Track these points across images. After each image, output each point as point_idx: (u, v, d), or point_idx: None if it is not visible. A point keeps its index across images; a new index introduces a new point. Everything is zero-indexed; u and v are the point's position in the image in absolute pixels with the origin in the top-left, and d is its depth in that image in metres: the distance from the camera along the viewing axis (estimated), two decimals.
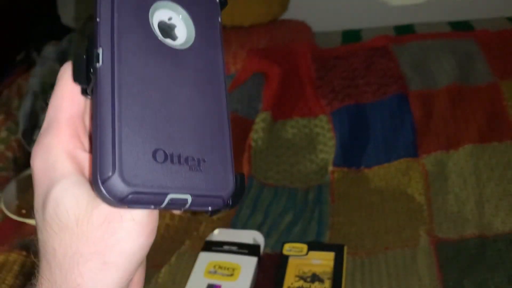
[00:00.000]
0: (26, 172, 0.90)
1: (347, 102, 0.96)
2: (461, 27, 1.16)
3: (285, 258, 0.67)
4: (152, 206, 0.26)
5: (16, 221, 0.79)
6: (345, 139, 0.91)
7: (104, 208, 0.26)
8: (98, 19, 0.28)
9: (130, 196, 0.25)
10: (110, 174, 0.25)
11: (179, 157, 0.27)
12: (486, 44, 1.03)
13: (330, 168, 0.87)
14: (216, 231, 0.74)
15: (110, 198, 0.25)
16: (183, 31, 0.31)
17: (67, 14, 1.32)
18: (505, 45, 1.03)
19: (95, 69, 0.27)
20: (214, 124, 0.30)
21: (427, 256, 0.67)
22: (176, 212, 0.33)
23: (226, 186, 0.29)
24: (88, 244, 0.25)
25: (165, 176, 0.26)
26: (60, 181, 0.26)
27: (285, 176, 0.89)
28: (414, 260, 0.67)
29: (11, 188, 0.85)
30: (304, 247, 0.68)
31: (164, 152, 0.27)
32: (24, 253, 0.74)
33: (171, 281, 0.68)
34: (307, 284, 0.63)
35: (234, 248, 0.69)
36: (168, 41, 0.30)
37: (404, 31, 1.18)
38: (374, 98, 0.96)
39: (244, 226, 0.77)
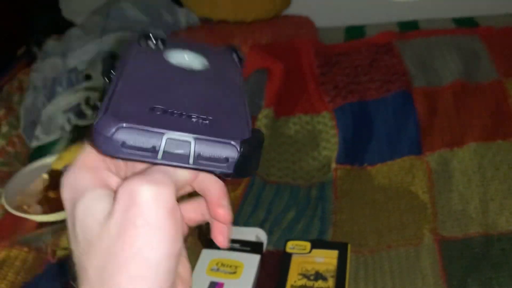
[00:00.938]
0: (28, 168, 0.89)
1: (350, 99, 0.96)
2: (466, 23, 1.16)
3: (288, 256, 0.67)
4: (150, 151, 0.24)
5: (17, 216, 0.79)
6: (348, 136, 0.90)
7: (118, 217, 0.25)
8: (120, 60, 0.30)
9: (121, 130, 0.23)
10: (102, 115, 0.24)
11: (180, 113, 0.25)
12: (491, 41, 1.02)
13: (333, 165, 0.87)
14: None
15: (101, 136, 0.23)
16: (198, 67, 0.32)
17: (68, 8, 1.31)
18: (510, 42, 1.02)
19: (109, 80, 0.28)
20: (225, 99, 0.29)
21: (430, 254, 0.67)
22: (182, 174, 0.31)
23: (238, 135, 0.25)
24: (111, 259, 0.25)
25: (162, 120, 0.25)
26: (80, 199, 0.26)
27: (288, 173, 0.89)
28: (418, 259, 0.66)
29: (13, 183, 0.85)
30: (307, 245, 0.68)
31: (163, 109, 0.25)
32: (25, 249, 0.73)
33: None
34: (310, 282, 0.63)
35: (236, 245, 0.69)
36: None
37: (408, 27, 1.17)
38: (378, 95, 0.95)
39: (247, 223, 0.76)
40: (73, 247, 0.27)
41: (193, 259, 0.69)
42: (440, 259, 0.66)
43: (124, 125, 0.23)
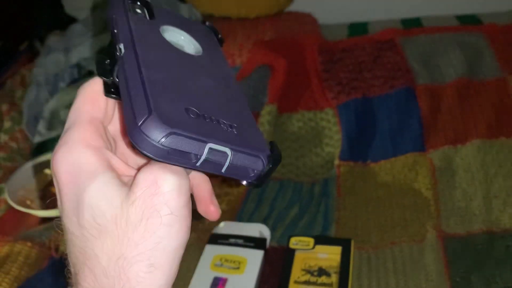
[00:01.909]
0: (31, 163, 0.89)
1: (354, 95, 0.96)
2: (469, 20, 1.15)
3: (292, 252, 0.67)
4: (192, 159, 0.24)
5: (20, 212, 0.79)
6: (351, 133, 0.90)
7: (140, 204, 0.24)
8: (115, 30, 0.29)
9: (171, 137, 0.23)
10: (147, 114, 0.23)
11: (211, 118, 0.26)
12: (494, 38, 1.02)
13: (336, 162, 0.87)
14: (222, 224, 0.73)
15: (149, 139, 0.23)
16: (192, 50, 0.33)
17: (71, 3, 1.31)
18: None
19: (118, 58, 0.28)
20: (235, 102, 0.30)
21: (434, 251, 0.67)
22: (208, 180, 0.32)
23: (262, 148, 0.27)
24: (130, 246, 0.24)
25: (202, 127, 0.25)
26: (90, 183, 0.25)
27: (291, 170, 0.89)
28: (421, 255, 0.66)
29: (16, 178, 0.85)
30: (311, 240, 0.68)
31: (196, 111, 0.26)
32: (29, 244, 0.73)
33: None
34: (314, 278, 0.63)
35: (240, 241, 0.69)
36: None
37: (411, 24, 1.17)
38: (381, 92, 0.95)
39: (250, 220, 0.77)
40: (73, 230, 0.26)
41: (197, 254, 0.69)
42: (444, 255, 0.66)
43: (175, 131, 0.23)
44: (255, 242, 0.69)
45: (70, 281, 0.27)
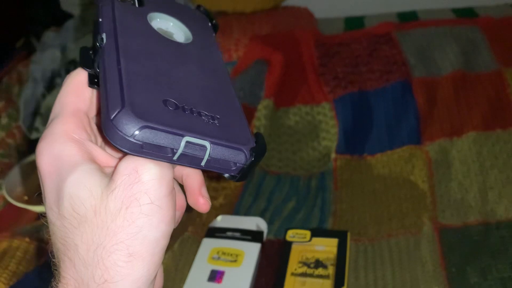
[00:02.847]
0: (28, 159, 0.89)
1: (350, 89, 0.96)
2: (465, 14, 1.15)
3: (289, 244, 0.67)
4: (168, 153, 0.24)
5: (18, 207, 0.79)
6: (348, 127, 0.91)
7: (120, 193, 0.24)
8: (100, 19, 0.29)
9: (143, 131, 0.23)
10: (119, 108, 0.23)
11: (191, 109, 0.25)
12: (490, 31, 1.02)
13: (333, 155, 0.87)
14: (219, 218, 0.74)
15: (121, 133, 0.22)
16: (181, 38, 0.32)
17: (66, 0, 1.30)
18: (509, 32, 1.02)
19: (99, 48, 0.27)
20: (222, 93, 0.29)
21: (430, 243, 0.67)
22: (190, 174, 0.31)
23: (245, 141, 0.26)
24: (109, 235, 0.24)
25: (179, 119, 0.24)
26: (71, 174, 0.25)
27: (288, 164, 0.89)
28: (417, 247, 0.67)
29: (13, 175, 0.85)
30: (308, 233, 0.68)
31: (175, 103, 0.25)
32: (27, 239, 0.74)
33: (174, 267, 0.68)
34: (311, 270, 0.63)
35: (237, 234, 0.69)
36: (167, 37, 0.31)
37: (408, 18, 1.17)
38: (378, 85, 0.95)
39: (247, 213, 0.77)
40: (57, 222, 0.26)
41: (194, 247, 0.69)
42: (440, 247, 0.66)
43: (148, 125, 0.23)
44: (252, 235, 0.69)
45: (55, 273, 0.27)
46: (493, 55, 0.97)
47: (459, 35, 1.02)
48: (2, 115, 0.99)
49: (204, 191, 0.30)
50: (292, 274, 0.63)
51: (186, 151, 0.24)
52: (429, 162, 0.80)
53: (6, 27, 1.19)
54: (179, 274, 0.66)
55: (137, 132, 0.23)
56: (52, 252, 0.27)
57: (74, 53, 1.08)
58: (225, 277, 0.63)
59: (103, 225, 0.24)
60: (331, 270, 0.63)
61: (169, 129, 0.23)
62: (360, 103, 0.94)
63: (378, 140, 0.87)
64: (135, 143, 0.23)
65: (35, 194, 0.82)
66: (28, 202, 0.81)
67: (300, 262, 0.65)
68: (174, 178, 0.31)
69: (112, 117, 0.23)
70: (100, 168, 0.26)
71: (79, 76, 0.29)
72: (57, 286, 0.26)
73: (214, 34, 0.35)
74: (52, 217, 0.26)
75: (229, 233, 0.70)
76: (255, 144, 0.26)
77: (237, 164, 0.26)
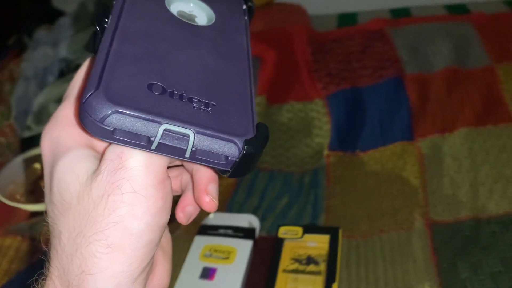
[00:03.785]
0: (20, 158, 0.89)
1: (343, 85, 0.96)
2: (457, 10, 1.16)
3: (281, 241, 0.67)
4: (144, 141, 0.22)
5: (10, 206, 0.79)
6: (340, 123, 0.91)
7: (103, 179, 0.23)
8: (114, 2, 0.27)
9: (114, 116, 0.21)
10: (92, 91, 0.21)
11: (181, 95, 0.23)
12: (482, 27, 1.02)
13: (326, 152, 0.87)
14: (211, 215, 0.74)
15: (91, 118, 0.21)
16: (204, 20, 0.29)
17: None
18: (501, 28, 1.02)
19: (102, 30, 0.26)
20: (230, 79, 0.26)
21: (421, 238, 0.67)
22: (177, 165, 0.29)
23: (242, 131, 0.23)
24: (89, 223, 0.22)
25: (161, 105, 0.22)
26: (62, 158, 0.24)
27: (281, 160, 0.89)
28: (409, 243, 0.67)
29: (5, 173, 0.85)
30: (300, 230, 0.68)
31: (163, 87, 0.23)
32: (19, 238, 0.74)
33: None
34: (302, 267, 0.63)
35: (229, 231, 0.69)
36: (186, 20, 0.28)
37: (400, 14, 1.17)
38: (370, 82, 0.95)
39: (240, 210, 0.77)
40: (48, 208, 0.25)
41: (186, 245, 0.69)
42: (431, 242, 0.67)
43: (117, 110, 0.21)
44: (245, 232, 0.69)
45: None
46: (485, 51, 0.97)
47: (452, 31, 1.02)
48: None
49: (211, 188, 0.28)
50: (284, 271, 0.63)
51: (165, 140, 0.22)
52: (421, 158, 0.80)
53: None
54: (171, 272, 0.66)
55: (107, 117, 0.21)
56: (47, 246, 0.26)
57: (65, 51, 1.07)
58: (217, 274, 0.63)
59: (85, 212, 0.23)
60: (322, 267, 0.63)
61: (144, 115, 0.21)
62: (353, 100, 0.94)
63: (371, 136, 0.87)
64: (105, 129, 0.21)
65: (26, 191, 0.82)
66: (20, 200, 0.81)
67: (292, 259, 0.65)
68: (187, 172, 0.30)
69: (84, 100, 0.21)
70: (95, 154, 0.25)
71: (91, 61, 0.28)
72: (46, 276, 0.25)
73: (245, 17, 0.32)
74: (46, 202, 0.25)
75: (221, 230, 0.70)
76: (253, 136, 0.24)
77: (229, 157, 0.23)
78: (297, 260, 0.64)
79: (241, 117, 0.24)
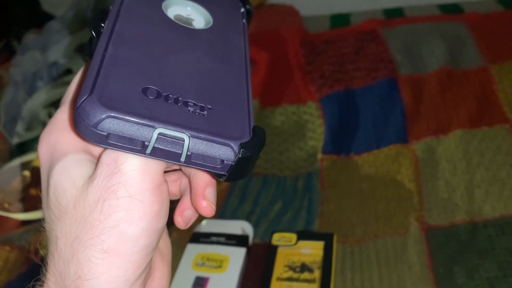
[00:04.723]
0: (9, 165, 0.87)
1: (337, 87, 0.95)
2: (451, 10, 1.15)
3: (274, 249, 0.66)
4: (138, 146, 0.22)
5: None
6: (334, 126, 0.90)
7: (99, 183, 0.23)
8: (110, 7, 0.27)
9: (107, 121, 0.21)
10: (86, 96, 0.21)
11: (176, 99, 0.23)
12: (476, 27, 1.02)
13: (320, 155, 0.86)
14: (204, 222, 0.72)
15: (85, 123, 0.21)
16: (201, 23, 0.29)
17: (48, 0, 1.28)
18: (495, 27, 1.01)
19: (98, 35, 0.26)
20: (227, 83, 0.26)
21: (417, 243, 0.66)
22: (174, 170, 0.29)
23: (238, 135, 0.23)
24: (85, 228, 0.22)
25: (156, 109, 0.22)
26: (58, 162, 0.24)
27: (274, 164, 0.88)
28: (404, 248, 0.66)
29: None
30: (293, 236, 0.67)
31: (158, 91, 0.23)
32: (7, 248, 0.72)
33: None
34: (296, 275, 0.62)
35: (222, 239, 0.68)
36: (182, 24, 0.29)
37: (394, 14, 1.17)
38: (364, 83, 0.94)
39: (233, 216, 0.76)
40: (45, 213, 0.25)
41: (178, 253, 0.68)
42: (427, 247, 0.66)
43: (111, 115, 0.21)
44: (237, 240, 0.68)
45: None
46: (479, 51, 0.96)
47: (445, 31, 1.02)
48: None
49: (208, 193, 0.28)
50: (278, 279, 0.62)
51: (160, 144, 0.22)
52: (416, 161, 0.79)
53: None
54: None
55: (100, 122, 0.21)
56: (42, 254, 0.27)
57: (55, 55, 1.06)
58: (209, 284, 0.62)
59: (81, 217, 0.23)
60: (317, 274, 0.62)
61: (138, 120, 0.21)
62: (347, 102, 0.93)
63: (365, 139, 0.86)
64: (99, 133, 0.21)
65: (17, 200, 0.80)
66: (8, 209, 0.79)
67: (286, 266, 0.64)
68: (185, 176, 0.30)
69: (78, 105, 0.21)
70: (91, 159, 0.25)
71: None
72: (43, 282, 0.25)
73: (243, 20, 0.32)
74: (43, 207, 0.25)
75: (213, 238, 0.68)
76: (249, 139, 0.24)
77: (225, 161, 0.23)
78: (291, 267, 0.63)
79: (237, 120, 0.24)
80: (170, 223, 0.29)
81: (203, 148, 0.23)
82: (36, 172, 0.84)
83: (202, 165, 0.23)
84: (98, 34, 0.26)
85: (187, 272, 0.64)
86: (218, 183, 0.82)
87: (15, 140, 0.97)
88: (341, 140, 0.88)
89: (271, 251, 0.66)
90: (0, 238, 0.75)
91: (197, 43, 0.27)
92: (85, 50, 0.26)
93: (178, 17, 0.29)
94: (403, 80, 0.93)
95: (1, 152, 0.96)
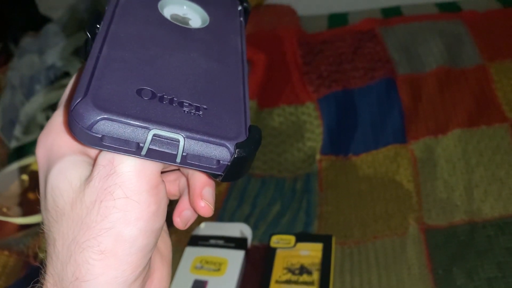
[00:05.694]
0: (7, 169, 0.87)
1: (335, 88, 0.95)
2: (449, 8, 1.15)
3: (273, 251, 0.66)
4: (133, 147, 0.22)
5: None
6: (332, 126, 0.89)
7: (95, 185, 0.23)
8: (106, 8, 0.27)
9: (101, 123, 0.21)
10: (80, 98, 0.21)
11: (171, 99, 0.23)
12: (474, 25, 1.01)
13: (318, 156, 0.86)
14: (202, 225, 0.72)
15: (79, 125, 0.21)
16: (198, 23, 0.30)
17: (45, 3, 1.28)
18: (493, 26, 1.01)
19: (93, 36, 0.26)
20: (223, 82, 0.26)
21: (416, 244, 0.66)
22: (169, 170, 0.29)
23: (233, 135, 0.23)
24: (82, 230, 0.23)
25: (150, 110, 0.22)
26: (55, 165, 0.24)
27: (273, 166, 0.88)
28: (403, 249, 0.66)
29: None
30: (292, 238, 0.67)
31: (152, 92, 0.23)
32: (6, 252, 0.72)
33: None
34: (295, 277, 0.62)
35: (220, 242, 0.68)
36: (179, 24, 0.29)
37: (391, 13, 1.16)
38: (362, 83, 0.94)
39: (231, 218, 0.76)
40: (43, 215, 0.25)
41: (176, 257, 0.68)
42: (426, 248, 0.65)
43: (105, 117, 0.21)
44: (236, 243, 0.68)
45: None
46: (477, 49, 0.96)
47: (443, 30, 1.01)
48: None
49: (206, 193, 0.28)
50: (277, 281, 0.62)
51: (155, 146, 0.22)
52: (414, 161, 0.79)
53: None
54: None
55: (94, 124, 0.21)
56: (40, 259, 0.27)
57: (52, 58, 1.05)
58: (208, 287, 0.61)
59: (78, 219, 0.23)
60: (316, 276, 0.62)
61: (132, 121, 0.21)
62: (345, 102, 0.93)
63: (363, 139, 0.86)
64: (93, 136, 0.21)
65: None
66: (6, 213, 0.79)
67: (284, 269, 0.64)
68: (184, 176, 0.30)
69: (72, 107, 0.21)
70: (88, 161, 0.25)
71: None
72: (42, 284, 0.25)
73: (241, 19, 0.32)
74: (41, 210, 0.25)
75: (212, 241, 0.68)
76: (245, 139, 0.24)
77: (220, 161, 0.23)
78: (290, 269, 0.63)
79: (233, 120, 0.24)
80: (169, 224, 0.29)
81: (198, 148, 0.23)
82: (34, 176, 0.84)
83: (198, 166, 0.23)
84: (93, 35, 0.26)
85: (186, 275, 0.64)
86: (217, 184, 0.81)
87: (13, 144, 0.97)
88: (340, 141, 0.87)
89: (270, 253, 0.66)
90: None
91: (193, 42, 0.27)
92: (80, 52, 0.26)
93: (175, 16, 0.29)
94: (401, 80, 0.93)
95: None
